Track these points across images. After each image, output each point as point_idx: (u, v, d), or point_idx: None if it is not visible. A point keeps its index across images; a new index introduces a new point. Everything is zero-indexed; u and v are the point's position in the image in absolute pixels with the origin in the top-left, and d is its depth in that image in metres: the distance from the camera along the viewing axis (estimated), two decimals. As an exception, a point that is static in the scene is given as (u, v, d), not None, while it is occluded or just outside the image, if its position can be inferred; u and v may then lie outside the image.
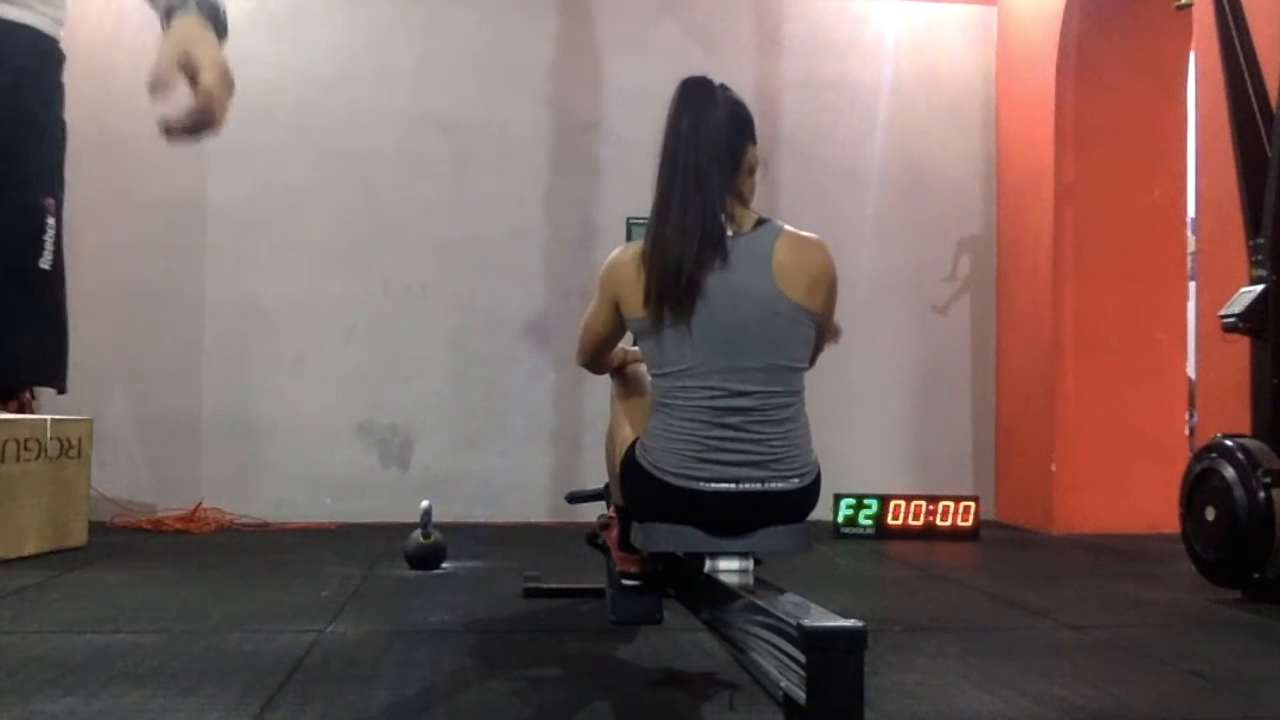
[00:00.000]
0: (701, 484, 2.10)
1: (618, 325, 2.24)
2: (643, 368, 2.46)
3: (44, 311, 1.41)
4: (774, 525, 2.15)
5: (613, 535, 2.59)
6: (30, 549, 4.10)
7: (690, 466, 2.11)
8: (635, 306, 2.14)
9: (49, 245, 1.40)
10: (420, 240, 5.60)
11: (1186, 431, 5.43)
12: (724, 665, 2.57)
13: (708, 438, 2.10)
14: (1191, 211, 5.03)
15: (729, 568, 2.13)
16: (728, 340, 2.09)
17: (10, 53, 1.38)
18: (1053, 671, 2.62)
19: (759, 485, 2.10)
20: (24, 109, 1.39)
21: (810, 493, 2.17)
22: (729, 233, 2.11)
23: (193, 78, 1.33)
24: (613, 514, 2.65)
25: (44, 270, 1.39)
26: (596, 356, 2.41)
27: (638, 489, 2.21)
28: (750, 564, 2.15)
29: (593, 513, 2.97)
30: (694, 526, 2.14)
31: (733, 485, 2.10)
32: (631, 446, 2.22)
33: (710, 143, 2.13)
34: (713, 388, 2.09)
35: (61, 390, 1.46)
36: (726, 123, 2.16)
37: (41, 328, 1.41)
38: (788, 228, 2.17)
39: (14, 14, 1.38)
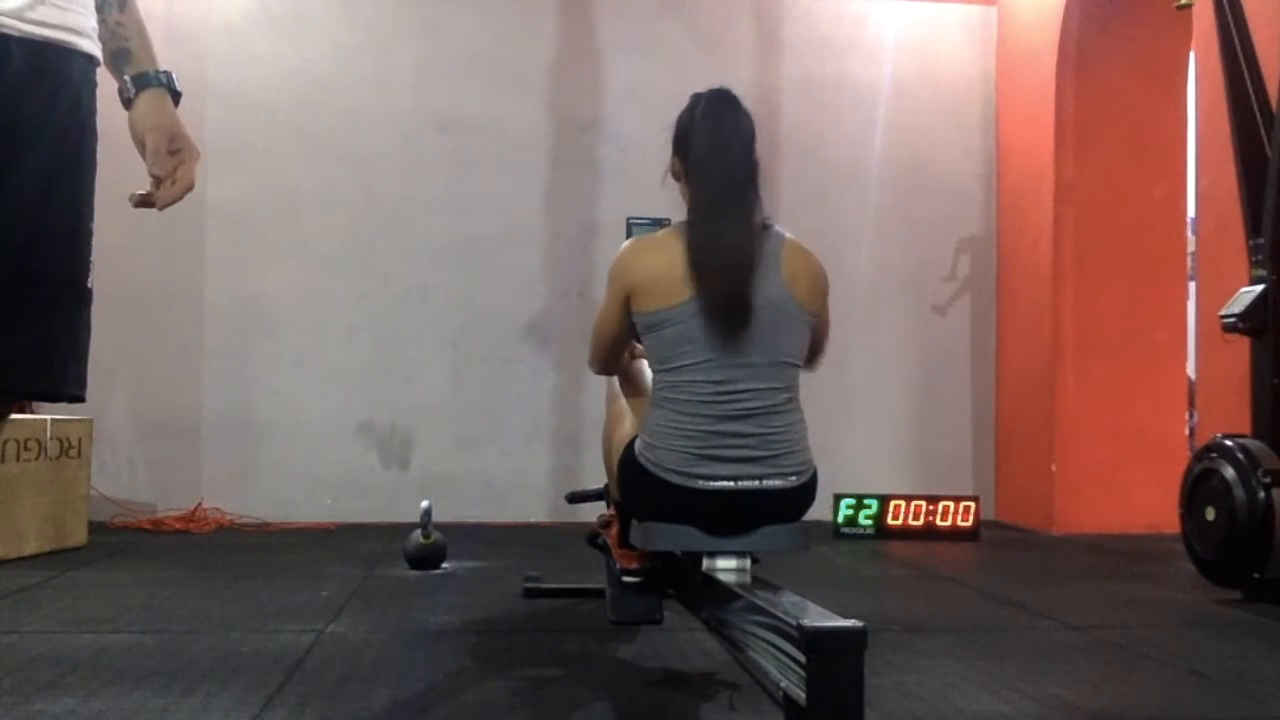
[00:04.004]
0: (700, 482, 2.12)
1: (629, 324, 2.26)
2: (643, 364, 2.48)
3: (88, 326, 1.51)
4: (771, 524, 2.18)
5: (613, 533, 2.60)
6: (30, 549, 4.10)
7: (691, 464, 2.12)
8: (651, 300, 2.16)
9: (93, 264, 1.51)
10: (420, 240, 5.60)
11: (1186, 431, 5.43)
12: (724, 665, 2.57)
13: (710, 432, 2.12)
14: (1191, 211, 5.03)
15: (727, 566, 2.15)
16: (737, 338, 2.13)
17: (76, 82, 1.45)
18: (1053, 671, 2.62)
19: (756, 483, 2.13)
20: (89, 140, 1.48)
21: (807, 491, 2.20)
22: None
23: (175, 152, 1.50)
24: (612, 512, 2.65)
25: (90, 289, 1.50)
26: (610, 359, 2.44)
27: (636, 487, 2.22)
28: (747, 563, 2.17)
29: (593, 512, 2.97)
30: (692, 525, 2.16)
31: (731, 483, 2.12)
32: (630, 444, 2.23)
33: (743, 154, 2.21)
34: (719, 382, 2.13)
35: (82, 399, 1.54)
36: (752, 135, 2.24)
37: (85, 341, 1.51)
38: (788, 235, 2.25)
39: (75, 40, 1.45)
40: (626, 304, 2.23)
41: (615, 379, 2.54)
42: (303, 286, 5.53)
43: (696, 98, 2.30)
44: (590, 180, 5.67)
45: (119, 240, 5.35)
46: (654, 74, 5.54)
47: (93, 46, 1.48)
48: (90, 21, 1.48)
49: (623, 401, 2.45)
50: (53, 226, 1.43)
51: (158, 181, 1.50)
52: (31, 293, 1.40)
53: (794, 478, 2.16)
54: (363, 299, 5.57)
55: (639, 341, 2.37)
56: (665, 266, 2.16)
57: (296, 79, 5.56)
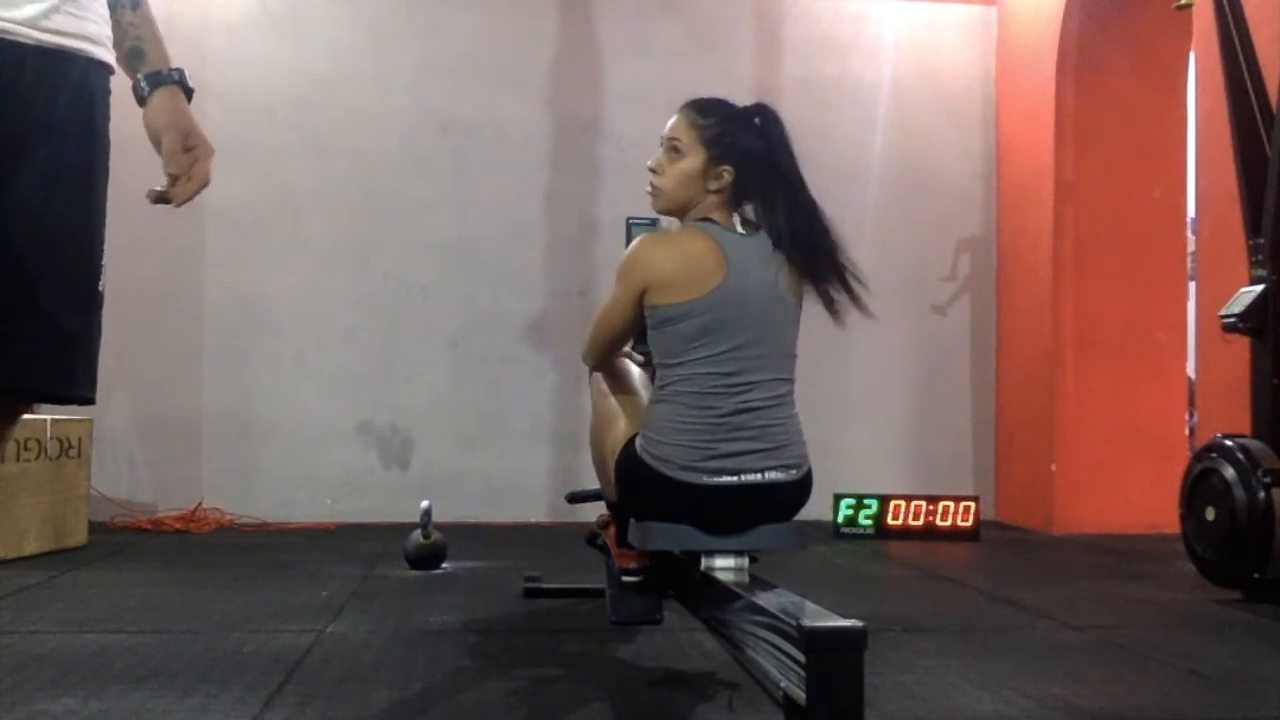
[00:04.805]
0: (705, 478, 2.15)
1: (638, 317, 2.29)
2: (627, 362, 2.53)
3: (98, 328, 1.53)
4: (769, 522, 2.21)
5: (611, 533, 2.60)
6: (30, 549, 4.09)
7: (695, 459, 2.16)
8: (670, 294, 2.20)
9: (105, 267, 1.53)
10: (420, 240, 5.60)
11: (1186, 431, 5.43)
12: (724, 665, 2.57)
13: (715, 425, 2.17)
14: (1191, 211, 5.03)
15: (725, 565, 2.18)
16: (743, 329, 2.20)
17: (90, 89, 1.47)
18: (1053, 671, 2.62)
19: (758, 476, 2.17)
20: (102, 146, 1.50)
21: (803, 487, 2.24)
22: (742, 231, 2.29)
23: (189, 149, 1.54)
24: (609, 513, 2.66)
25: (102, 292, 1.51)
26: (609, 352, 2.47)
27: (639, 486, 2.24)
28: (745, 562, 2.20)
29: (593, 513, 2.96)
30: (692, 524, 2.18)
31: (734, 479, 2.16)
32: (630, 443, 2.24)
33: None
34: (729, 374, 2.18)
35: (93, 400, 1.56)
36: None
37: (96, 343, 1.53)
38: None
39: (90, 48, 1.47)
40: (640, 299, 2.26)
41: (601, 378, 2.55)
42: (303, 286, 5.53)
43: (748, 112, 2.35)
44: (590, 180, 5.67)
45: (119, 240, 5.32)
46: (654, 74, 5.53)
47: (107, 54, 1.50)
48: (105, 30, 1.50)
49: (614, 401, 2.46)
50: (66, 230, 1.45)
51: (173, 179, 1.52)
52: (46, 295, 1.42)
53: (794, 470, 2.21)
54: (363, 299, 5.57)
55: (643, 338, 2.39)
56: (686, 261, 2.21)
57: (296, 79, 5.56)
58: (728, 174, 2.29)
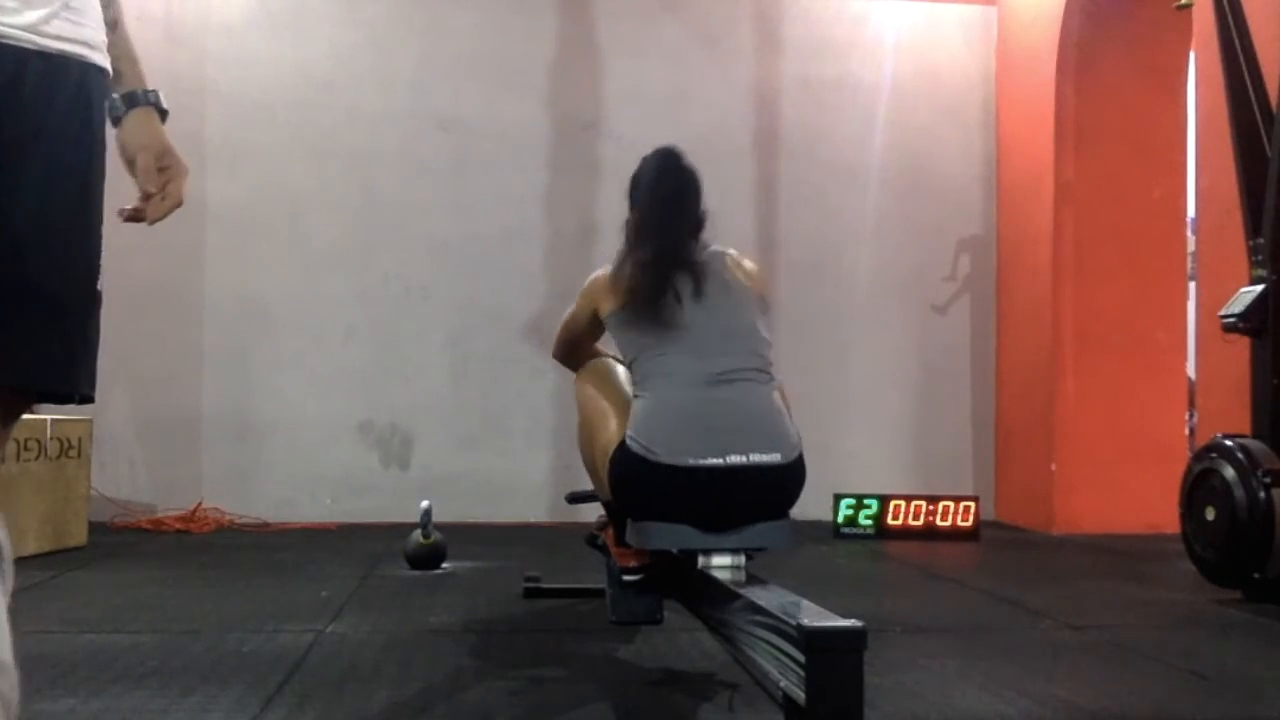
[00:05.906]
0: (691, 460, 2.19)
1: (597, 325, 2.57)
2: (609, 361, 2.64)
3: (97, 327, 1.54)
4: (762, 511, 2.25)
5: (610, 533, 2.61)
6: (30, 549, 4.09)
7: (681, 443, 2.21)
8: (611, 302, 2.46)
9: (103, 267, 1.55)
10: (420, 240, 5.60)
11: (1186, 431, 5.43)
12: (724, 665, 2.57)
13: (694, 404, 2.25)
14: (1192, 211, 5.03)
15: (722, 564, 2.20)
16: (699, 317, 2.34)
17: (90, 93, 1.50)
18: (1053, 671, 2.63)
19: (743, 458, 2.20)
20: (100, 149, 1.52)
21: (793, 472, 2.27)
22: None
23: (164, 169, 1.57)
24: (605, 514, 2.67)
25: (101, 291, 1.53)
26: (573, 352, 2.74)
27: (632, 481, 2.27)
28: (742, 560, 2.22)
29: (592, 513, 2.97)
30: (686, 519, 2.22)
31: (720, 460, 2.19)
32: (622, 443, 2.28)
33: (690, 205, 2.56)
34: (694, 358, 2.31)
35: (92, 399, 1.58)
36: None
37: (95, 342, 1.54)
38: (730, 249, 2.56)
39: (88, 54, 1.49)
40: (594, 317, 2.53)
41: (587, 380, 2.62)
42: (303, 286, 5.53)
43: (645, 159, 2.64)
44: (590, 180, 5.67)
45: (119, 240, 5.32)
46: (654, 74, 5.53)
47: (103, 59, 1.54)
48: (101, 35, 1.54)
49: (602, 402, 2.50)
50: (65, 230, 1.48)
51: (147, 197, 1.57)
52: (47, 294, 1.45)
53: (778, 455, 2.23)
54: (362, 299, 5.57)
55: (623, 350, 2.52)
56: (620, 276, 2.46)
57: (296, 79, 5.56)
58: (632, 215, 2.60)
